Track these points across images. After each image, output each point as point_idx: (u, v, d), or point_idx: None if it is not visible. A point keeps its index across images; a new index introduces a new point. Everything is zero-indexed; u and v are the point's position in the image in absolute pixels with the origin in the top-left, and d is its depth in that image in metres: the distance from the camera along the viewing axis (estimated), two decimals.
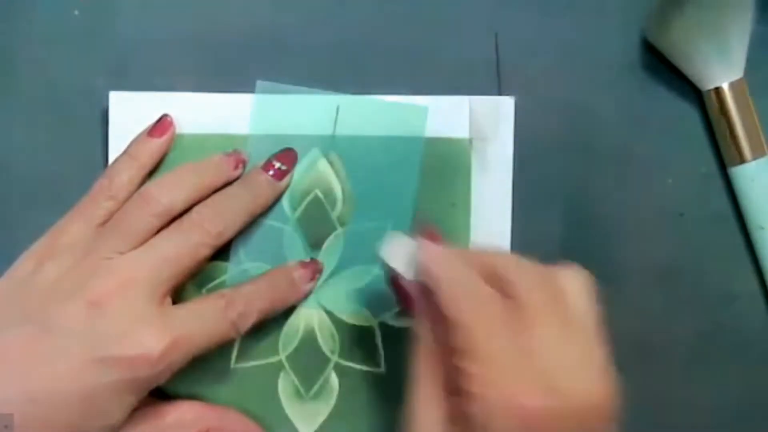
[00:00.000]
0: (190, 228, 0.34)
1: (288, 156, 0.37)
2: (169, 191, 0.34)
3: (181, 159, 0.37)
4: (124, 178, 0.35)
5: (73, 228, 0.34)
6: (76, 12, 0.38)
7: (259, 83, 0.38)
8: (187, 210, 0.34)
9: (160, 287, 0.33)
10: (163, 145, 0.36)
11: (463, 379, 0.27)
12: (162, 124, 0.37)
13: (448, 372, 0.28)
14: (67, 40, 0.38)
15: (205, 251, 0.34)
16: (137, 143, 0.36)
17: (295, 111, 0.38)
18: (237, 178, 0.36)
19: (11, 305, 0.32)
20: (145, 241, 0.33)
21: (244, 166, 0.37)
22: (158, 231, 0.34)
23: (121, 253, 0.33)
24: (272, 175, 0.36)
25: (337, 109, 0.38)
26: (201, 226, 0.34)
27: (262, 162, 0.37)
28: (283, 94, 0.38)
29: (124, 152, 0.36)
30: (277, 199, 0.37)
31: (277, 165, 0.37)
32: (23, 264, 0.34)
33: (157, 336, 0.32)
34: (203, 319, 0.33)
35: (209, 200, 0.35)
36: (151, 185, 0.35)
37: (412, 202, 0.37)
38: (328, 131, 0.38)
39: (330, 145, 0.38)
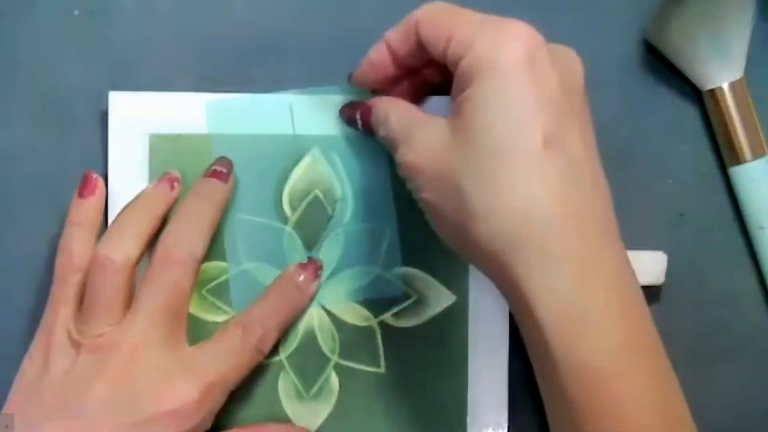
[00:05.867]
0: (162, 269, 0.34)
1: (223, 162, 0.36)
2: (118, 248, 0.34)
3: (182, 159, 0.37)
4: (80, 247, 0.35)
5: (59, 317, 0.34)
6: (76, 12, 0.38)
7: (208, 102, 0.37)
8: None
9: (169, 336, 0.33)
10: (98, 204, 0.36)
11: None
12: (88, 183, 0.36)
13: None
14: (67, 40, 0.38)
15: (188, 281, 0.34)
16: (73, 207, 0.35)
17: (253, 113, 0.37)
18: (177, 197, 0.36)
19: (33, 409, 0.32)
20: (126, 298, 0.34)
21: (180, 182, 0.36)
22: (130, 279, 0.34)
23: (116, 325, 0.33)
24: (219, 179, 0.36)
25: (290, 107, 0.37)
26: (171, 260, 0.34)
27: (205, 172, 0.36)
28: (237, 100, 0.37)
29: (68, 220, 0.35)
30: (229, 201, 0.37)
31: (219, 169, 0.36)
32: (29, 368, 0.34)
33: (189, 385, 0.32)
34: (228, 356, 0.34)
35: (167, 231, 0.35)
36: (100, 249, 0.34)
37: (389, 200, 0.38)
38: (288, 131, 0.37)
39: (330, 144, 0.38)
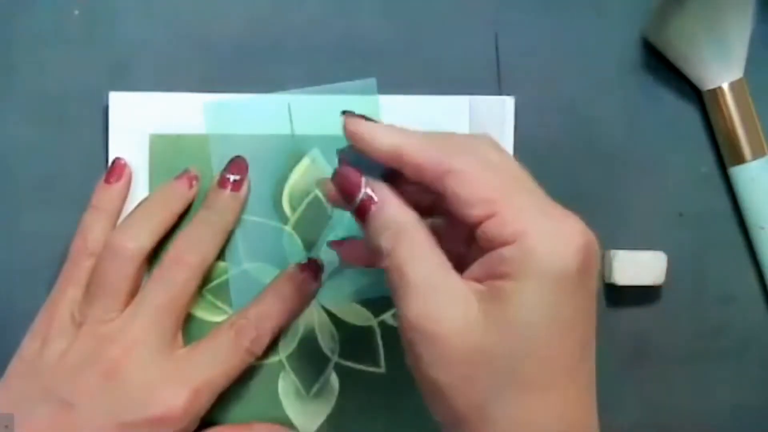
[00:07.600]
0: (172, 268, 0.34)
1: (238, 165, 0.36)
2: (133, 236, 0.34)
3: (182, 159, 0.37)
4: (95, 231, 0.35)
5: (65, 297, 0.34)
6: (76, 12, 0.38)
7: (205, 103, 0.37)
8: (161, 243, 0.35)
9: (165, 336, 0.33)
10: (123, 190, 0.36)
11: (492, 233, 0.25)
12: (116, 169, 0.36)
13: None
14: (67, 40, 0.38)
15: (194, 284, 0.35)
16: (98, 192, 0.36)
17: (251, 114, 0.37)
18: (194, 196, 0.37)
19: (27, 387, 0.33)
20: (132, 289, 0.34)
21: (198, 180, 0.37)
22: (139, 271, 0.34)
23: (118, 313, 0.33)
24: (231, 189, 0.36)
25: (289, 107, 0.37)
26: (182, 261, 0.34)
27: (217, 179, 0.36)
28: (236, 101, 0.37)
29: (90, 204, 0.36)
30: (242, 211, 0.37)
31: (232, 178, 0.36)
32: (29, 343, 0.34)
33: (178, 390, 0.32)
34: (218, 359, 0.34)
35: (181, 235, 0.35)
36: (115, 235, 0.34)
37: None
38: (287, 131, 0.37)
39: (330, 144, 0.38)
